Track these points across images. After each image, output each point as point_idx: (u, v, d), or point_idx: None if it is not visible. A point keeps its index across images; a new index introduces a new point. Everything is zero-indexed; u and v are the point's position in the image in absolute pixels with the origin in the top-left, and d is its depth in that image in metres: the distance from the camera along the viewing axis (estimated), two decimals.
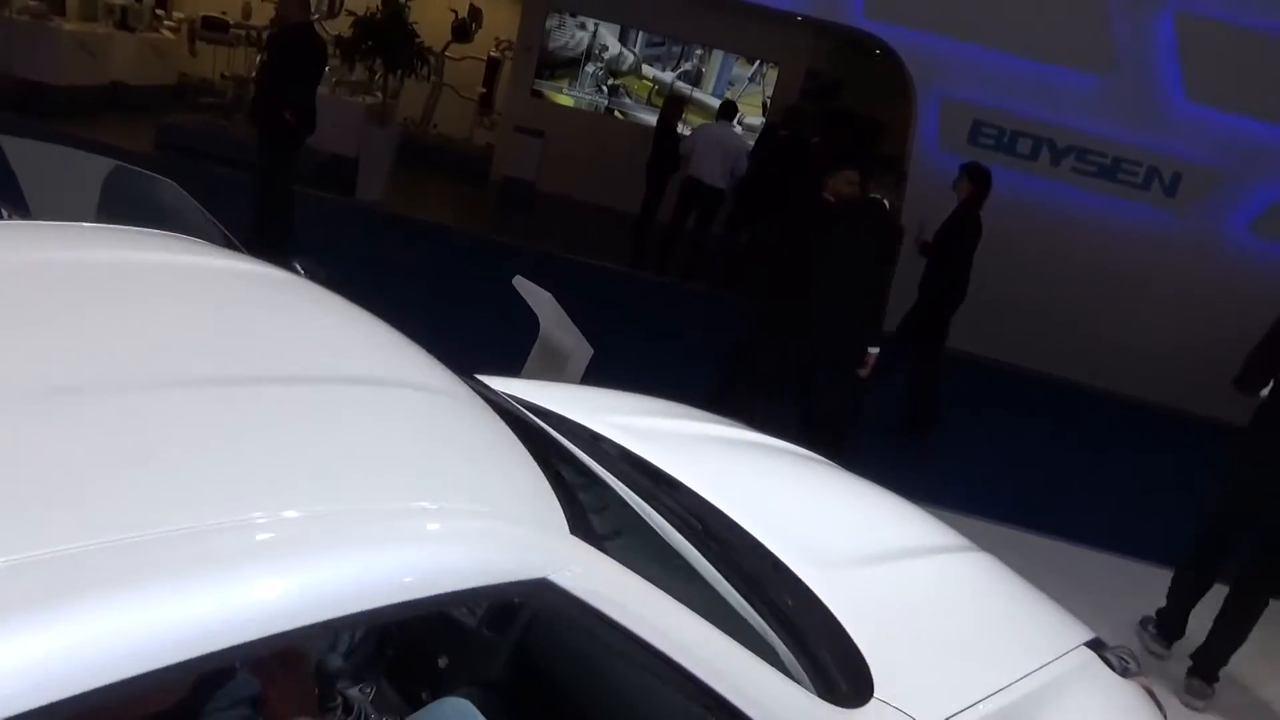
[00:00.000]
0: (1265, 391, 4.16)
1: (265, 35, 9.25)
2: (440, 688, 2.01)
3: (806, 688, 1.66)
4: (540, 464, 1.52)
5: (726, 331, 8.31)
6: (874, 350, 5.16)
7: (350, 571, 1.12)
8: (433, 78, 13.92)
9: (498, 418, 1.59)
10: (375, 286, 7.93)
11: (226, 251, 2.02)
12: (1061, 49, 9.53)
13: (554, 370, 3.77)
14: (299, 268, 2.88)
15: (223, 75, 11.96)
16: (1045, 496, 6.59)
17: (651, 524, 2.14)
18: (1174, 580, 4.67)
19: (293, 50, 7.14)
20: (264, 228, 7.20)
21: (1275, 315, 4.38)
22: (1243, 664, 4.45)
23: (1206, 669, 4.30)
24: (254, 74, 7.59)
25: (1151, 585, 4.93)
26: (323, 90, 11.58)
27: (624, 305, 9.28)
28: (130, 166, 2.92)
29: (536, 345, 3.90)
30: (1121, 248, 9.88)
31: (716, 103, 13.09)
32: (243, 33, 12.64)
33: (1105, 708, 2.17)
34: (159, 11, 13.93)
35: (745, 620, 1.88)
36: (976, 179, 6.72)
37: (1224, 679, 4.36)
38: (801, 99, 12.81)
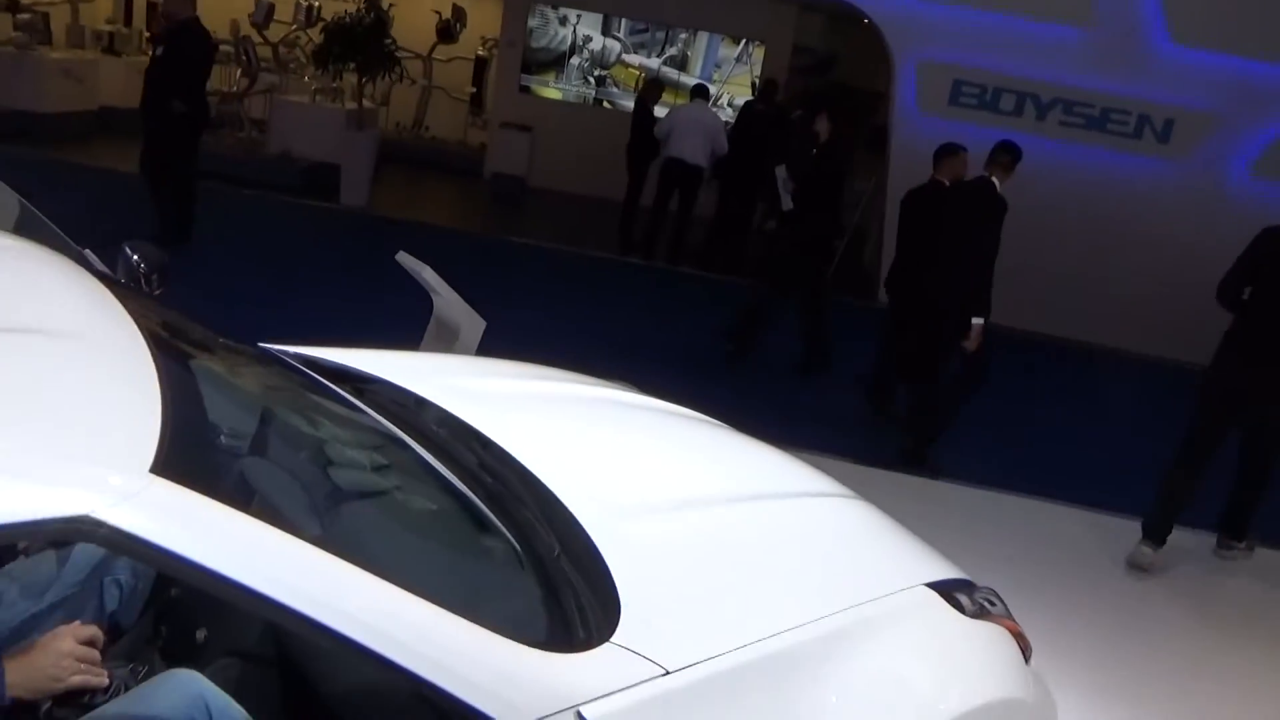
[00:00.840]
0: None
1: (153, 33, 9.55)
2: (200, 661, 1.91)
3: (532, 634, 1.55)
4: (180, 410, 1.40)
5: (713, 314, 8.17)
6: (978, 321, 5.39)
7: None
8: (421, 80, 13.92)
9: (143, 364, 1.47)
10: (341, 285, 7.84)
11: None
12: (1039, 1, 9.25)
13: (447, 344, 3.67)
14: (129, 251, 2.81)
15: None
16: (1054, 461, 6.40)
17: (438, 478, 2.04)
18: (1161, 484, 4.84)
19: (182, 45, 7.43)
20: (180, 212, 7.66)
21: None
22: None
23: (1231, 528, 5.03)
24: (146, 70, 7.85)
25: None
26: (303, 99, 11.67)
27: (607, 292, 9.17)
28: None
29: (432, 320, 3.80)
30: (1116, 199, 9.57)
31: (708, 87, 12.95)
32: (232, 50, 12.69)
33: (927, 645, 2.02)
34: (149, 35, 14.05)
35: (509, 568, 1.79)
36: (835, 118, 6.91)
37: None
38: (791, 76, 12.61)
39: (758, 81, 12.97)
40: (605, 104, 13.33)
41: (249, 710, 1.79)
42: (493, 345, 3.85)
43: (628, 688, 1.53)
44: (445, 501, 1.99)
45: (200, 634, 1.96)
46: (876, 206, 10.39)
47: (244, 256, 8.16)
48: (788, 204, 7.20)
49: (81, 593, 2.04)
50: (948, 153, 6.28)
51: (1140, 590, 4.70)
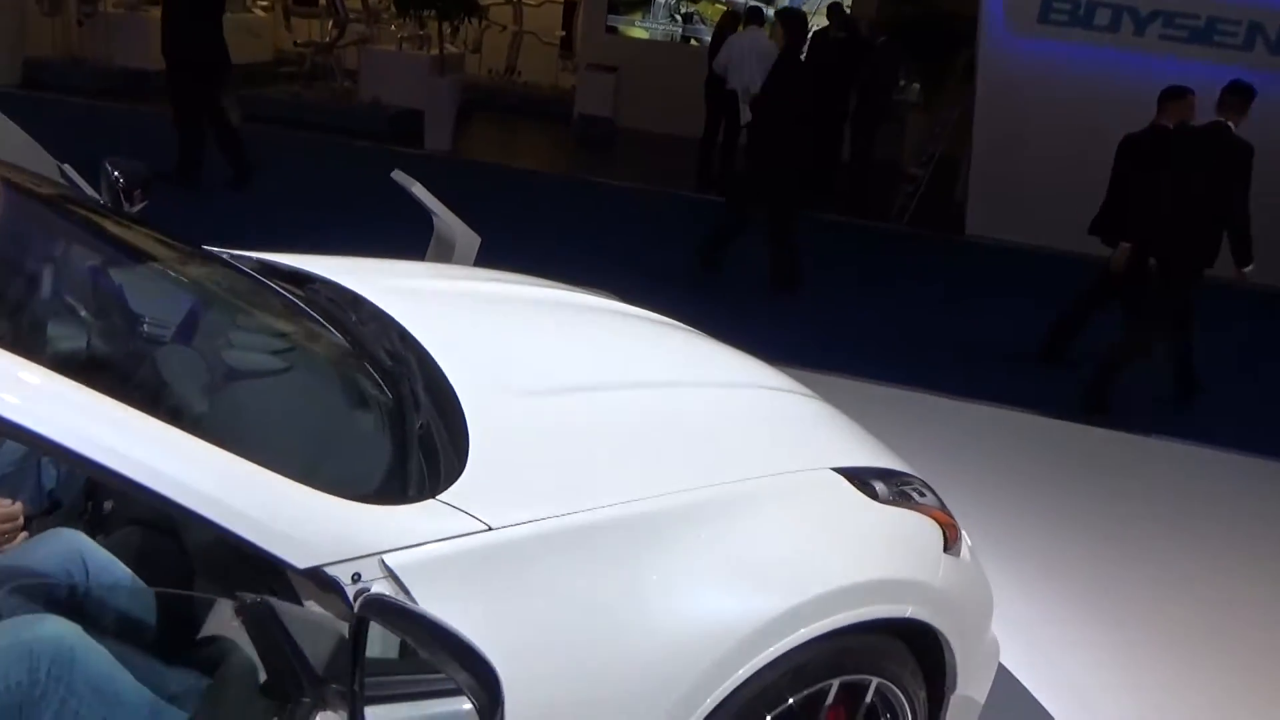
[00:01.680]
0: None
1: None
2: (108, 530, 2.03)
3: (358, 489, 1.60)
4: None
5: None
6: (1248, 270, 5.39)
7: None
8: (511, 26, 14.02)
9: None
10: (395, 221, 8.05)
11: None
12: None
13: (444, 258, 3.75)
14: (109, 167, 2.95)
15: (295, 44, 12.39)
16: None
17: (339, 363, 2.11)
18: None
19: None
20: (230, 157, 7.99)
21: None
22: None
23: None
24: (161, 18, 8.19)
25: None
26: (391, 48, 11.91)
27: (669, 228, 9.13)
28: None
29: (434, 236, 3.89)
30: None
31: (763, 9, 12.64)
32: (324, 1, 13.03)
33: (813, 521, 2.00)
34: None
35: (368, 437, 1.87)
36: (789, 25, 6.87)
37: None
38: (882, 2, 12.19)
39: (850, 9, 12.61)
40: (693, 41, 13.18)
41: (144, 572, 1.90)
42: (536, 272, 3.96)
43: (439, 540, 1.56)
44: (335, 382, 2.06)
45: (107, 505, 2.09)
46: (962, 136, 10.01)
47: (309, 195, 8.47)
48: (746, 116, 7.13)
49: (19, 471, 2.19)
50: (1173, 95, 6.00)
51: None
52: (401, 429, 1.85)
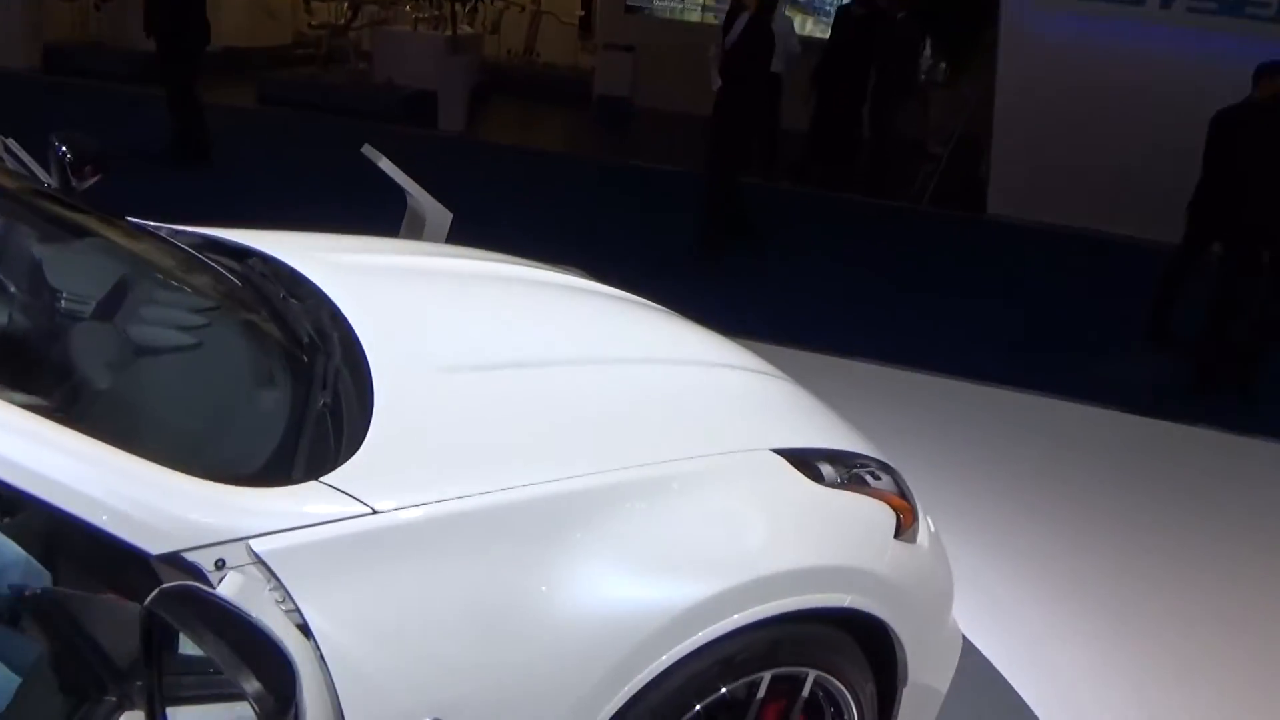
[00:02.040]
0: None
1: None
2: (13, 513, 1.96)
3: (233, 471, 1.51)
4: None
5: (792, 230, 7.95)
6: None
7: None
8: (530, 6, 13.92)
9: None
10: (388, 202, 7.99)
11: None
12: None
13: (416, 234, 3.67)
14: (56, 142, 2.87)
15: (309, 26, 12.35)
16: None
17: (255, 339, 2.03)
18: None
19: None
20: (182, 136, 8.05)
21: None
22: None
23: None
24: None
25: None
26: (406, 29, 11.84)
27: (667, 210, 8.99)
28: None
29: (407, 212, 3.81)
30: None
31: None
32: None
33: (742, 504, 1.89)
34: None
35: (261, 415, 1.79)
36: None
37: None
38: None
39: None
40: (714, 19, 12.98)
41: (47, 558, 1.83)
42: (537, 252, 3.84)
43: (314, 524, 1.46)
44: (242, 359, 1.98)
45: None
46: (984, 114, 9.76)
47: (312, 176, 8.44)
48: (716, 82, 7.07)
49: None
50: (1272, 70, 5.87)
51: None
52: (301, 408, 1.76)
